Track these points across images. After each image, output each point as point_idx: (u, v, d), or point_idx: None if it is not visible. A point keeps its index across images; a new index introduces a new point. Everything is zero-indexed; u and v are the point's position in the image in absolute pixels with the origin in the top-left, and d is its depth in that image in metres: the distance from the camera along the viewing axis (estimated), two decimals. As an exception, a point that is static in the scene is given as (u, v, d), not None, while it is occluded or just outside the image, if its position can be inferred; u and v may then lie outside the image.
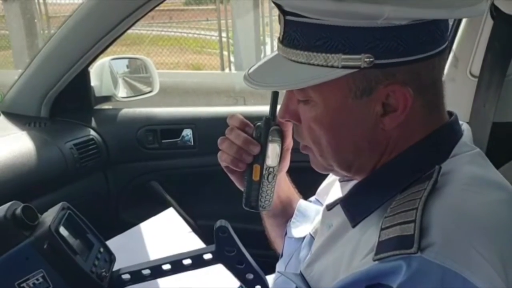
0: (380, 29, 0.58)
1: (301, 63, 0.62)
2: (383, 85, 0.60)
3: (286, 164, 0.85)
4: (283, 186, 0.91)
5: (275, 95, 0.77)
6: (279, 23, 0.64)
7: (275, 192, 0.82)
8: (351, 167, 0.68)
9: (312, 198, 0.95)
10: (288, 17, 0.62)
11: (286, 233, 0.90)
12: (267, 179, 0.79)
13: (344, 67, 0.59)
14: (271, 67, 0.67)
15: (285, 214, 0.92)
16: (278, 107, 0.78)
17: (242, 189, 0.82)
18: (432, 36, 0.61)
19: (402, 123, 0.63)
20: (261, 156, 0.78)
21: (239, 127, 0.80)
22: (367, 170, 0.68)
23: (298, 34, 0.61)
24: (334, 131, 0.65)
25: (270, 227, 0.96)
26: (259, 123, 0.79)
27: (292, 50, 0.63)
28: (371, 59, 0.59)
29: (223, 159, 0.81)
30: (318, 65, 0.60)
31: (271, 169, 0.79)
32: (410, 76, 0.61)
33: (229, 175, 0.84)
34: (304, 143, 0.71)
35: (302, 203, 0.93)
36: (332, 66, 0.60)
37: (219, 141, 0.81)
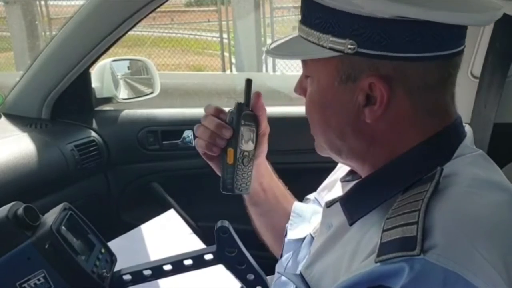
0: (365, 18, 0.59)
1: (303, 38, 0.66)
2: (365, 75, 0.62)
3: (264, 149, 0.87)
4: (264, 173, 0.93)
5: (248, 82, 0.81)
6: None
7: (254, 177, 0.84)
8: (341, 152, 0.69)
9: (312, 196, 0.95)
10: None
11: (286, 235, 0.90)
12: (242, 162, 0.81)
13: (330, 48, 0.62)
14: (288, 40, 0.71)
15: (268, 202, 0.94)
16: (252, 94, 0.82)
17: (219, 174, 0.84)
18: (422, 38, 0.60)
19: (384, 119, 0.63)
20: (234, 140, 0.80)
21: (214, 114, 0.83)
22: (359, 159, 0.68)
23: (307, 10, 0.66)
24: (321, 110, 0.68)
25: (254, 216, 0.98)
26: (232, 109, 0.81)
27: (301, 26, 0.67)
28: (354, 46, 0.61)
29: (199, 145, 0.84)
30: (312, 42, 0.64)
31: (246, 153, 0.80)
32: (394, 73, 0.61)
33: (208, 162, 0.86)
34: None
35: (297, 205, 0.95)
36: (322, 46, 0.63)
37: (194, 128, 0.85)
